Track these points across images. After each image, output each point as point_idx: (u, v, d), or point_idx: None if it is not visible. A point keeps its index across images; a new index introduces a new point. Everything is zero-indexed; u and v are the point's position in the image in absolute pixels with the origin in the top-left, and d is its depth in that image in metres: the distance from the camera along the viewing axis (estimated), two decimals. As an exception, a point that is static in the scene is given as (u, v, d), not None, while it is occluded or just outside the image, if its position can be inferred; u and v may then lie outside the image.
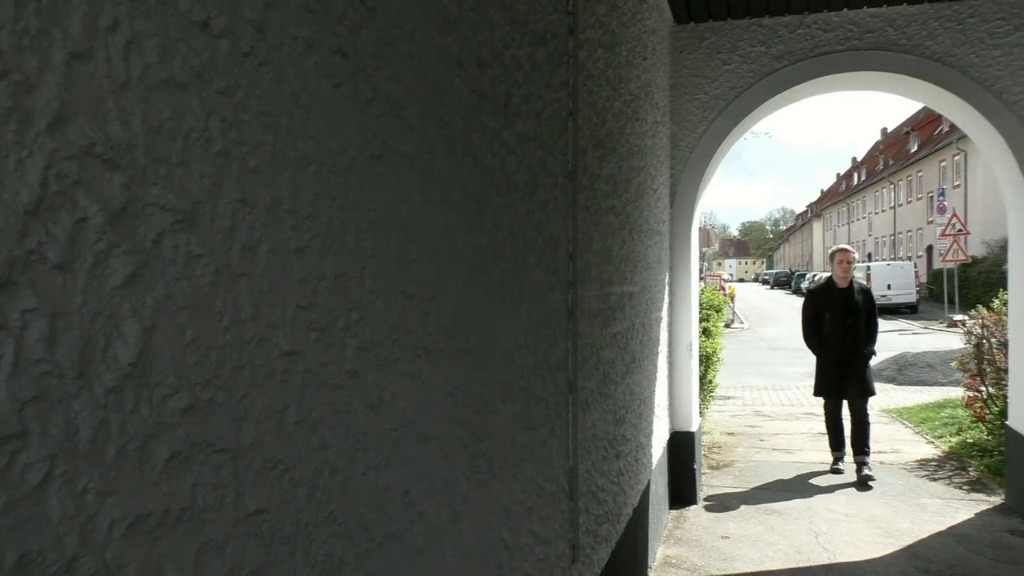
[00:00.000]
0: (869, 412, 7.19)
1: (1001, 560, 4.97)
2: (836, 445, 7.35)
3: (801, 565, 4.97)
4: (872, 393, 7.14)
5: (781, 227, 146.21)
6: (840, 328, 7.00)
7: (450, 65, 1.76)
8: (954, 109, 6.24)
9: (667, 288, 5.99)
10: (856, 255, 7.30)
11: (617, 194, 3.92)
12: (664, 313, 5.84)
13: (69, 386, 0.79)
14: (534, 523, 2.40)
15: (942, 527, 5.63)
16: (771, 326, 28.13)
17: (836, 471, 7.17)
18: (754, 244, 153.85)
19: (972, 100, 5.87)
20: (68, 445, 0.79)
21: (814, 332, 7.22)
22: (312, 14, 1.22)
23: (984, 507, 6.15)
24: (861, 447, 7.03)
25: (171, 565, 0.92)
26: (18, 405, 0.74)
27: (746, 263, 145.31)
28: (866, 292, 7.22)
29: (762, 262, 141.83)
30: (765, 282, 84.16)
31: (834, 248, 7.45)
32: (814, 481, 6.98)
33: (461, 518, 1.80)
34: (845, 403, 7.24)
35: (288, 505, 1.15)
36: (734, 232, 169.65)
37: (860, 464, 6.98)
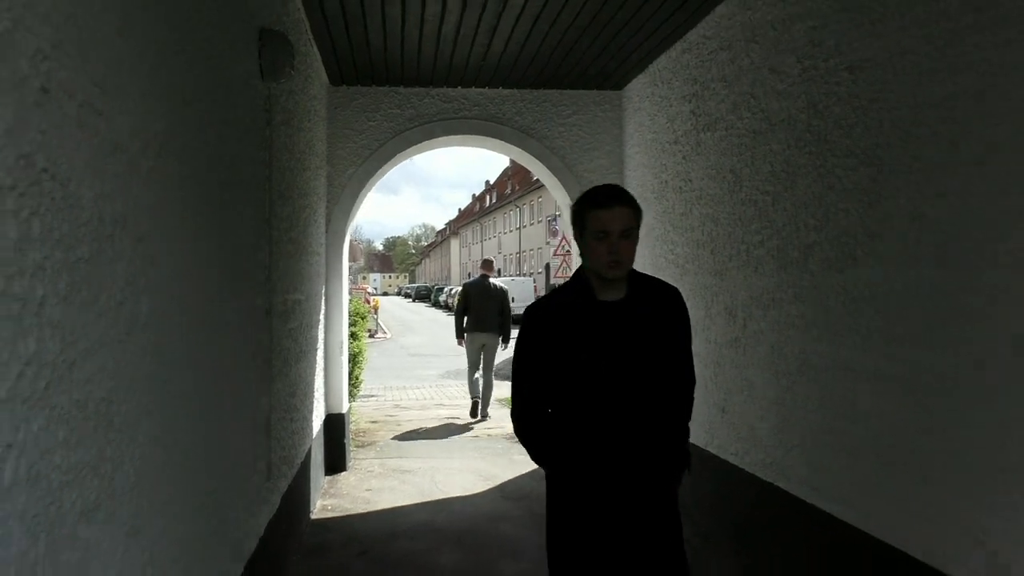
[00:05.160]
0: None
1: (558, 488, 7.13)
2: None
3: (424, 500, 6.72)
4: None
5: (423, 243, 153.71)
6: None
7: (165, 156, 3.08)
8: (538, 168, 8.47)
9: (323, 297, 7.44)
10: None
11: (294, 228, 5.30)
12: (322, 317, 7.27)
13: None
14: (237, 444, 3.69)
15: (523, 472, 7.74)
16: (411, 336, 30.68)
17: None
18: (398, 259, 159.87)
19: (547, 163, 8.11)
20: None
21: None
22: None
23: (556, 459, 8.41)
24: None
25: None
26: None
27: (390, 277, 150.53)
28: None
29: (406, 276, 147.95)
30: (407, 296, 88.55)
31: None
32: (438, 453, 8.84)
33: (179, 443, 2.99)
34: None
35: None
36: (379, 246, 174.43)
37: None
